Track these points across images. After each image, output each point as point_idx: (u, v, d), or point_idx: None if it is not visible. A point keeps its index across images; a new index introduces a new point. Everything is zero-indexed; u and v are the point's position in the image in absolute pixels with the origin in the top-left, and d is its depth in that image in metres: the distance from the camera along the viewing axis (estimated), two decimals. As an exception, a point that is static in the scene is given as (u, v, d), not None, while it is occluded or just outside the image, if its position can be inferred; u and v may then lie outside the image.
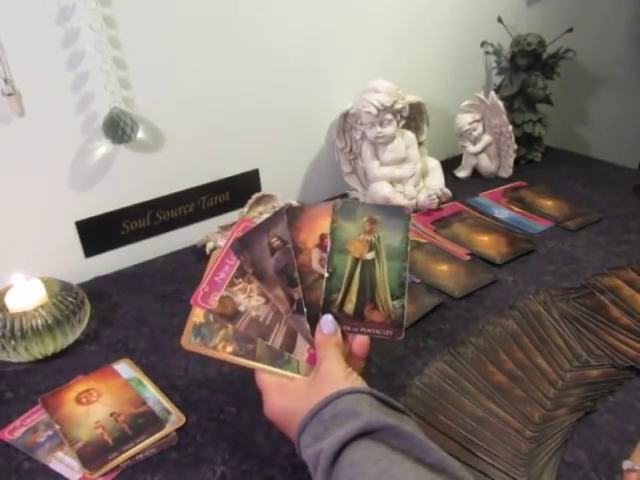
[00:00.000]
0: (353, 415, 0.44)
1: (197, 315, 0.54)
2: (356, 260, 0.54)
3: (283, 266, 0.54)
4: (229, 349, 0.53)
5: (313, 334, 0.53)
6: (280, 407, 0.50)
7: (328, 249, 0.54)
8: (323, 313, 0.53)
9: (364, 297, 0.53)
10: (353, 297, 0.53)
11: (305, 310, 0.53)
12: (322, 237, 0.55)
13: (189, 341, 0.53)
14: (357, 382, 0.49)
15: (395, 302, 0.53)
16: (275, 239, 0.55)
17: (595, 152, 1.37)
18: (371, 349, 0.54)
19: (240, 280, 0.54)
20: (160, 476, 0.55)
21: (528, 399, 0.62)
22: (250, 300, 0.54)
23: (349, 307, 0.53)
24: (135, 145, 0.86)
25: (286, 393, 0.51)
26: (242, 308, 0.54)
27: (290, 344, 0.53)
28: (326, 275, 0.54)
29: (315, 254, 0.55)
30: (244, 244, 0.55)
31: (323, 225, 0.55)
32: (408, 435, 0.43)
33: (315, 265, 0.54)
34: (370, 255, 0.54)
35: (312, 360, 0.53)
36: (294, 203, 0.94)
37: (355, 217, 0.55)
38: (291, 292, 0.54)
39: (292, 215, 0.55)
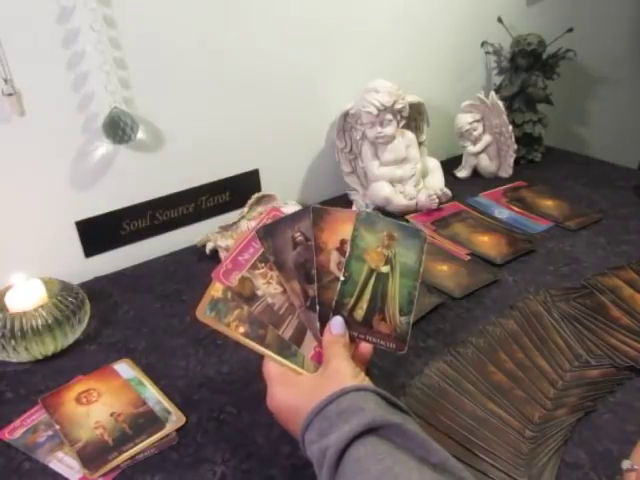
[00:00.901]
0: (359, 411, 0.44)
1: (216, 289, 0.54)
2: (371, 270, 0.56)
3: (303, 261, 0.56)
4: (241, 330, 0.54)
5: (322, 333, 0.54)
6: (284, 400, 0.50)
7: (347, 254, 0.56)
8: (334, 314, 0.54)
9: (374, 307, 0.55)
10: (364, 305, 0.55)
11: (317, 308, 0.55)
12: (342, 242, 0.57)
13: (204, 313, 0.54)
14: (364, 383, 0.49)
15: (402, 318, 0.55)
16: (299, 234, 0.56)
17: (595, 152, 1.37)
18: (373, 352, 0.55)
19: (262, 265, 0.56)
20: (160, 476, 0.55)
21: (528, 399, 0.62)
22: (269, 287, 0.55)
23: (359, 313, 0.55)
24: (135, 145, 0.86)
25: (291, 387, 0.51)
26: (260, 292, 0.55)
27: (299, 338, 0.54)
28: (342, 278, 0.55)
29: (334, 256, 0.56)
30: (269, 232, 0.56)
31: (345, 230, 0.57)
32: (412, 434, 0.43)
33: (332, 267, 0.56)
34: (385, 268, 0.56)
35: (317, 358, 0.54)
36: (298, 205, 0.94)
37: (376, 229, 0.57)
38: (307, 288, 0.55)
39: (317, 215, 0.57)
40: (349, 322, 0.54)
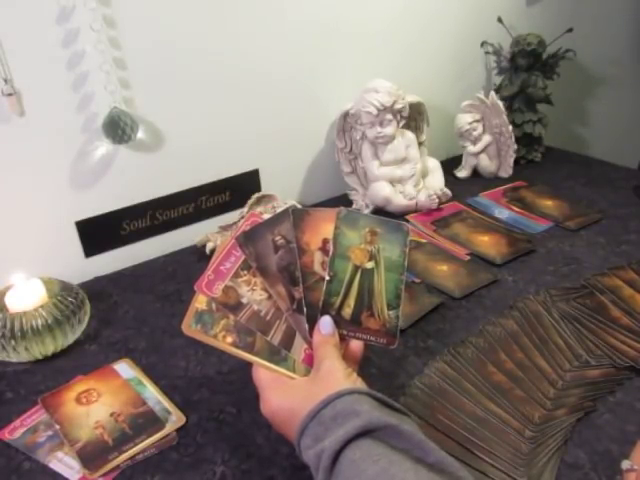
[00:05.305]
0: (353, 414, 0.44)
1: (200, 302, 0.54)
2: (356, 267, 0.56)
3: (286, 264, 0.55)
4: (229, 340, 0.53)
5: (311, 334, 0.53)
6: (278, 404, 0.50)
7: (330, 253, 0.55)
8: (322, 314, 0.54)
9: (362, 304, 0.55)
10: (351, 302, 0.55)
11: (305, 310, 0.54)
12: (325, 241, 0.56)
13: (190, 326, 0.53)
14: (357, 383, 0.49)
15: (391, 312, 0.55)
16: (279, 237, 0.56)
17: (595, 152, 1.37)
18: (371, 349, 0.55)
19: (245, 272, 0.55)
20: (160, 476, 0.55)
21: (528, 399, 0.62)
22: (253, 293, 0.55)
23: (347, 312, 0.55)
24: (135, 145, 0.86)
25: (285, 390, 0.51)
26: (245, 300, 0.54)
27: (288, 342, 0.54)
28: (327, 278, 0.55)
29: (317, 257, 0.56)
30: (249, 238, 0.56)
31: (326, 230, 0.56)
32: (408, 434, 0.43)
33: (317, 267, 0.55)
34: (370, 264, 0.56)
35: (308, 360, 0.53)
36: (297, 205, 0.94)
37: (357, 226, 0.57)
38: (292, 291, 0.55)
39: (297, 216, 0.56)
40: (338, 321, 0.54)
